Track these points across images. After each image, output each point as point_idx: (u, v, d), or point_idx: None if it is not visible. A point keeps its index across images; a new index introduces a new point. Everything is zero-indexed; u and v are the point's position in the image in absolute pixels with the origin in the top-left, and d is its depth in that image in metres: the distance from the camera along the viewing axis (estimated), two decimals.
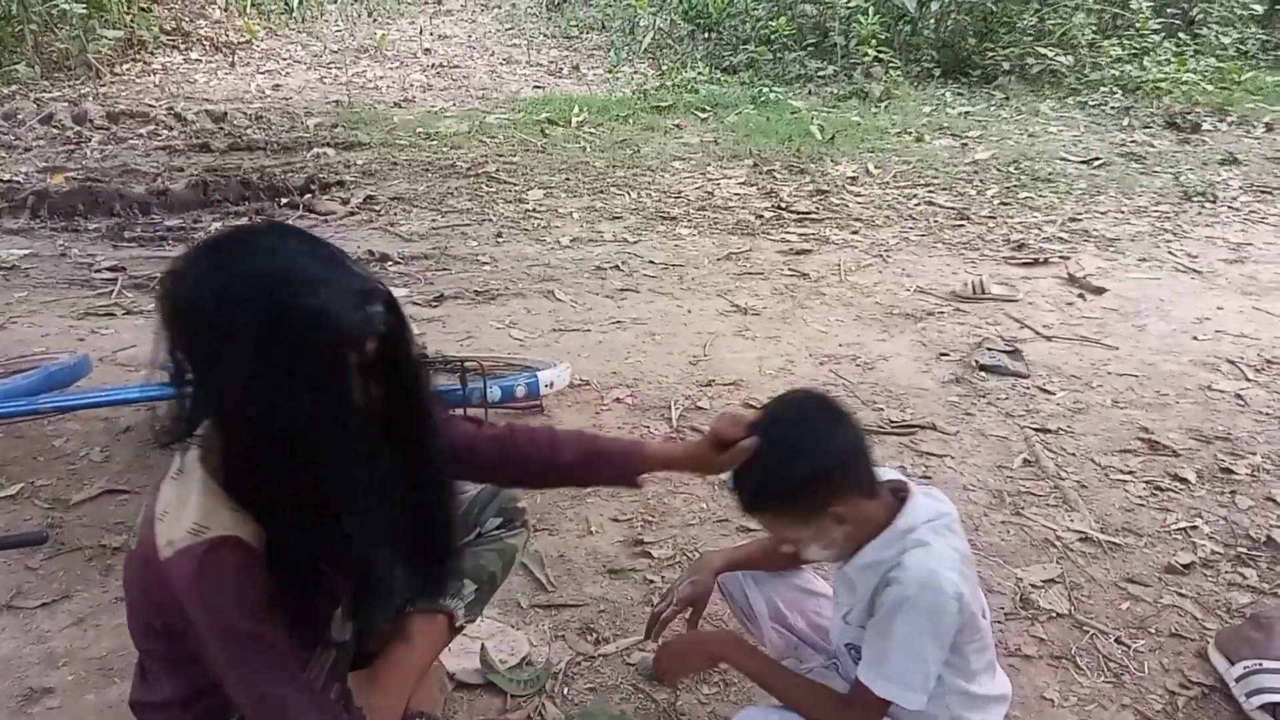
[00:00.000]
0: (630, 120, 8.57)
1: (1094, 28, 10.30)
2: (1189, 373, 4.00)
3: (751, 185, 6.76)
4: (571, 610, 2.53)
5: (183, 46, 10.93)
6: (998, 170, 7.18)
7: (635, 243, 5.57)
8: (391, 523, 1.57)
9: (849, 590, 1.74)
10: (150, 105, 8.46)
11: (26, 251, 5.22)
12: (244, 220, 5.70)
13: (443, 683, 2.19)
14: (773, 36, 10.95)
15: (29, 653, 2.34)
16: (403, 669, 1.94)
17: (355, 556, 1.53)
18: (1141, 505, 3.05)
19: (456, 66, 11.01)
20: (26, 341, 4.04)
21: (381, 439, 1.53)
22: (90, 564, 2.66)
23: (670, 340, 4.25)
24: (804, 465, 1.61)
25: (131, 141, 7.47)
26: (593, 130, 8.21)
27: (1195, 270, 5.24)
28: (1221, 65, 9.99)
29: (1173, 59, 9.94)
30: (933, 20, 10.69)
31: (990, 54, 10.41)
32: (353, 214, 6.00)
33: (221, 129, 7.86)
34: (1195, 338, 4.35)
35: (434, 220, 5.91)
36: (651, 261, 5.26)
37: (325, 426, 1.41)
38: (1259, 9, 10.77)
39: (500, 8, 13.86)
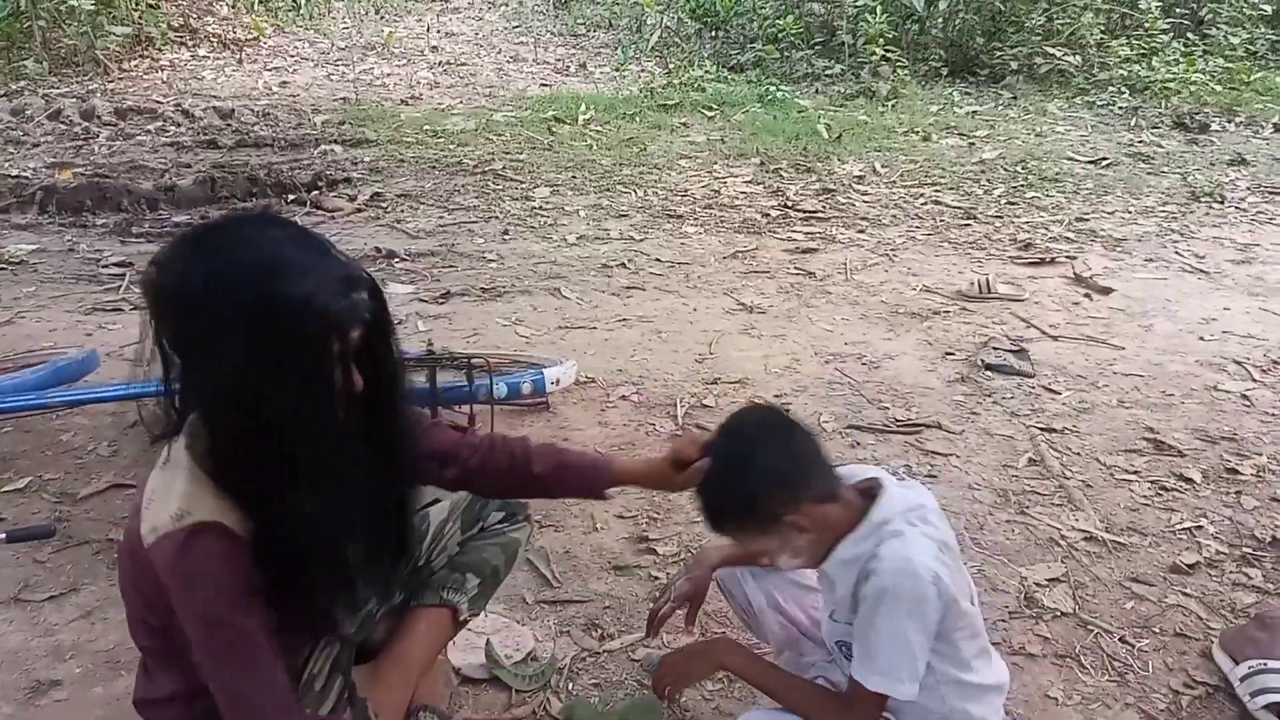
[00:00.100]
0: (637, 118, 8.57)
1: (1102, 28, 10.28)
2: (1195, 373, 3.99)
3: (758, 184, 6.76)
4: (577, 606, 2.54)
5: (190, 43, 10.95)
6: (1005, 170, 7.17)
7: (641, 241, 5.57)
8: (358, 514, 1.58)
9: (831, 588, 1.75)
10: (158, 101, 8.48)
11: (35, 247, 5.24)
12: None
13: (448, 677, 2.19)
14: (780, 35, 10.94)
15: (36, 645, 2.35)
16: (406, 663, 1.94)
17: (324, 546, 1.52)
18: (1146, 505, 3.05)
19: (463, 64, 11.01)
20: (34, 336, 4.06)
21: (359, 428, 1.54)
22: (98, 557, 2.67)
23: (676, 338, 4.26)
24: (753, 481, 1.65)
25: (139, 138, 7.48)
26: (599, 128, 8.21)
27: (1202, 271, 5.23)
28: (1230, 66, 9.97)
29: (1181, 59, 9.92)
30: (940, 19, 10.67)
31: (998, 53, 10.39)
32: (359, 211, 6.01)
33: (229, 125, 7.87)
34: (1202, 338, 4.35)
35: (441, 217, 5.92)
36: (658, 259, 5.26)
37: (308, 413, 1.42)
38: (1268, 9, 10.75)
39: (507, 5, 13.87)
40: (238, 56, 10.69)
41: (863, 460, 3.24)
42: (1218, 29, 10.71)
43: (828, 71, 10.32)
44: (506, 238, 5.58)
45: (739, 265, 5.20)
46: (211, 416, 1.45)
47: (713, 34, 11.94)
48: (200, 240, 1.41)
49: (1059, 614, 2.53)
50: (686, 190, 6.55)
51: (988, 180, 6.91)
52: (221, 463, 1.45)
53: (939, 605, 1.62)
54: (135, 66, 10.01)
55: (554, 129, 8.11)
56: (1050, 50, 10.06)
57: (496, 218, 5.92)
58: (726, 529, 1.77)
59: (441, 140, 7.69)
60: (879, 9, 9.87)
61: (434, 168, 6.96)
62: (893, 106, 9.17)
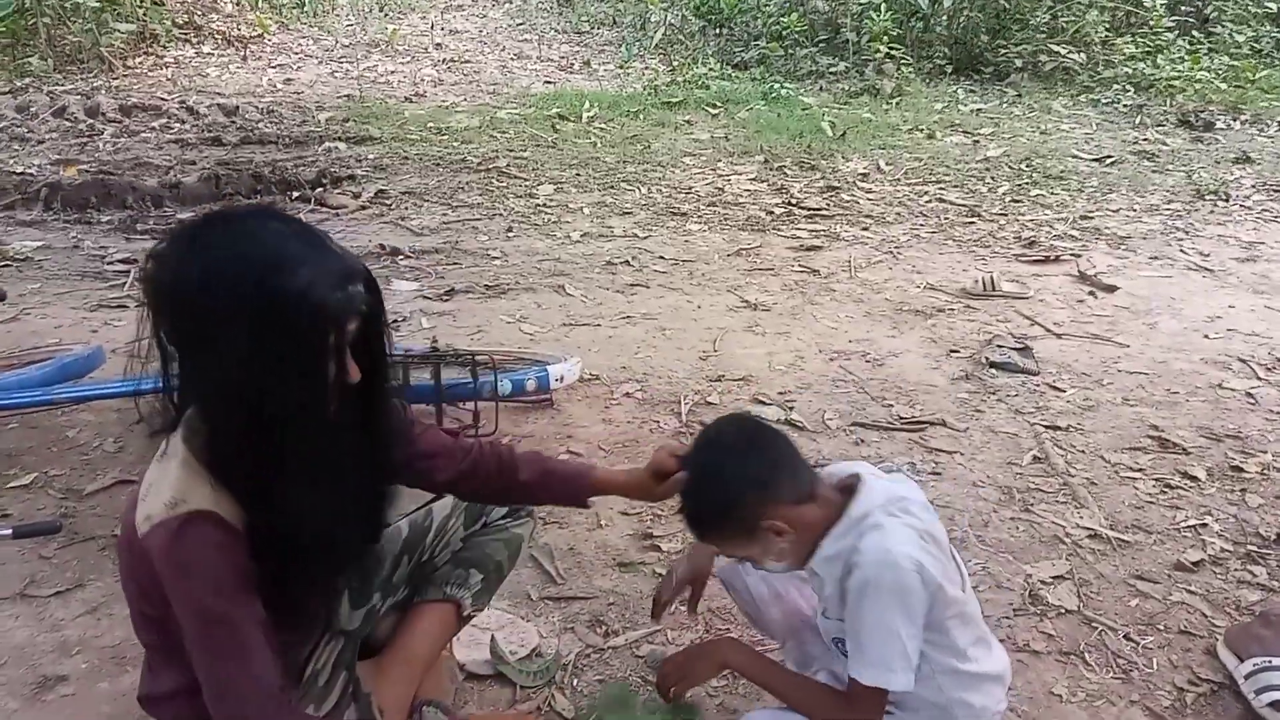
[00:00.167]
0: (641, 116, 8.58)
1: (1107, 25, 10.27)
2: (1200, 371, 3.99)
3: (762, 181, 6.76)
4: (581, 602, 2.54)
5: (195, 40, 10.97)
6: (1009, 167, 7.16)
7: (645, 238, 5.57)
8: (350, 505, 1.59)
9: (820, 586, 1.76)
10: (162, 99, 8.50)
11: (40, 244, 5.25)
12: None
13: (453, 673, 2.20)
14: (784, 33, 10.94)
15: (43, 641, 2.35)
16: (410, 658, 1.95)
17: (318, 536, 1.53)
18: (1151, 502, 3.04)
19: (467, 61, 11.03)
20: (40, 333, 4.07)
21: (353, 420, 1.54)
22: (103, 553, 2.68)
23: (680, 335, 4.26)
24: (726, 490, 1.69)
25: (144, 134, 7.49)
26: (603, 126, 8.21)
27: (1207, 269, 5.22)
28: (1235, 63, 9.95)
29: (1186, 57, 9.90)
30: (945, 17, 10.67)
31: (1003, 51, 10.39)
32: (364, 208, 6.02)
33: (233, 123, 7.88)
34: (1206, 336, 4.34)
35: (445, 215, 5.92)
36: (662, 257, 5.26)
37: (305, 405, 1.43)
38: (1274, 7, 10.72)
39: (511, 3, 13.88)
40: (242, 54, 10.71)
41: (867, 458, 3.24)
42: (1223, 26, 10.69)
43: (832, 69, 10.32)
44: (510, 235, 5.59)
45: (743, 263, 5.21)
46: (209, 409, 1.45)
47: (717, 31, 11.94)
48: (197, 235, 1.41)
49: (1063, 611, 2.53)
50: (691, 188, 6.55)
51: (992, 178, 6.90)
52: (219, 455, 1.45)
53: (924, 593, 1.63)
54: (140, 64, 10.03)
55: (558, 126, 8.11)
56: (1055, 48, 10.06)
57: (500, 215, 5.93)
58: (709, 537, 1.83)
59: (445, 138, 7.69)
60: (883, 6, 9.88)
61: (438, 165, 6.96)
62: (897, 104, 9.16)
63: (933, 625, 1.68)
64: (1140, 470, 3.23)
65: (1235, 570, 2.71)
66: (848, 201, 6.33)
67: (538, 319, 4.41)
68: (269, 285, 1.35)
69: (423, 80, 10.07)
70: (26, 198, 5.86)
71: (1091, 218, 6.06)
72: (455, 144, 7.50)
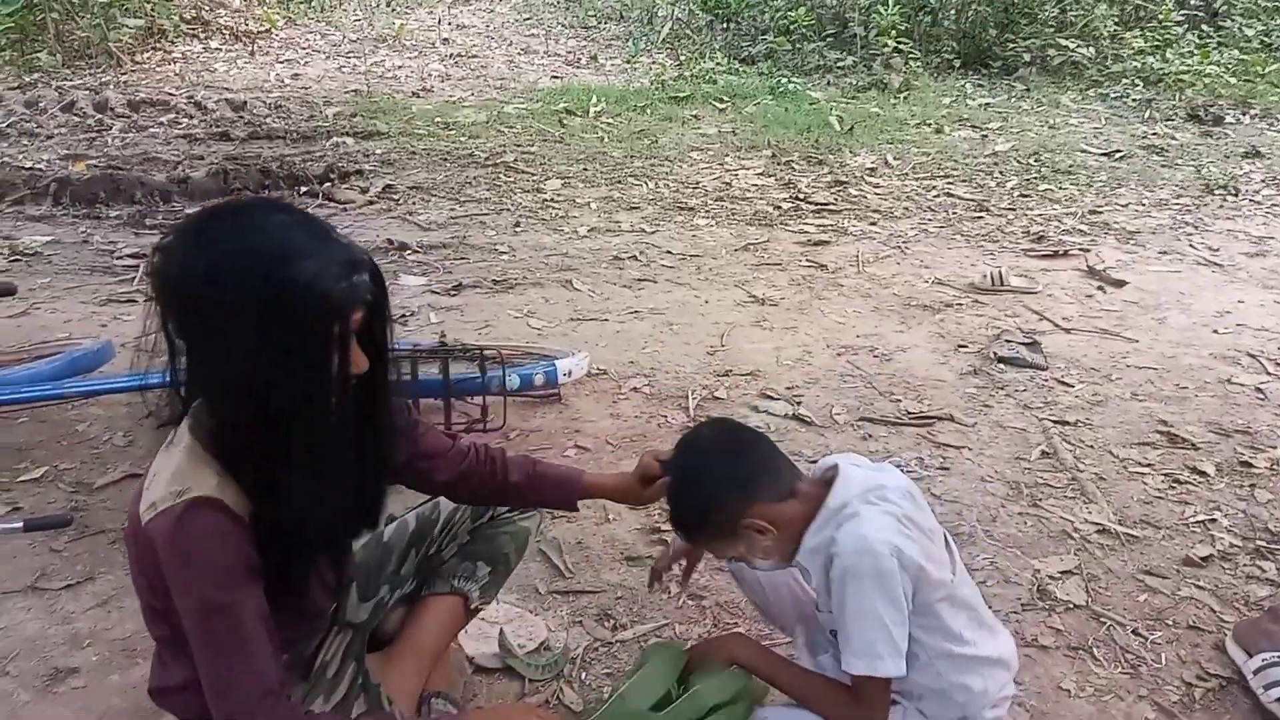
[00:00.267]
0: (648, 110, 8.57)
1: (1116, 19, 10.23)
2: (1209, 366, 3.98)
3: (769, 176, 6.75)
4: (589, 596, 2.54)
5: (203, 35, 10.98)
6: (1018, 162, 7.15)
7: (653, 233, 5.57)
8: (353, 495, 1.59)
9: (810, 579, 1.78)
10: (171, 94, 8.51)
11: (49, 238, 5.26)
12: None
13: (461, 665, 2.20)
14: (791, 27, 10.91)
15: (54, 633, 2.37)
16: (418, 650, 1.96)
17: (321, 526, 1.53)
18: (1160, 498, 3.04)
19: (475, 56, 11.02)
20: (50, 327, 4.08)
21: (357, 410, 1.55)
22: (113, 546, 2.69)
23: (687, 330, 4.26)
24: (704, 493, 1.74)
25: (152, 130, 7.51)
26: (610, 120, 8.21)
27: (1216, 263, 5.21)
28: (1245, 58, 9.90)
29: (1195, 51, 9.86)
30: (953, 11, 10.64)
31: (1011, 45, 10.35)
32: (371, 203, 6.02)
33: (241, 118, 7.89)
34: (1215, 331, 4.33)
35: (452, 210, 5.93)
36: (669, 252, 5.26)
37: (312, 395, 1.43)
38: None
39: None
40: (250, 49, 10.72)
41: (874, 453, 3.24)
42: (1232, 20, 10.64)
43: (839, 63, 10.29)
44: (518, 230, 5.59)
45: (750, 258, 5.20)
46: (216, 401, 1.46)
47: (724, 26, 11.92)
48: (203, 227, 1.42)
49: (1072, 606, 2.53)
50: (698, 182, 6.55)
51: (1000, 173, 6.89)
52: (226, 445, 1.45)
53: (905, 577, 1.64)
54: (148, 59, 10.04)
55: (565, 121, 8.11)
56: (1063, 42, 10.02)
57: (508, 210, 5.93)
58: (695, 539, 1.89)
59: (453, 132, 7.69)
60: (891, 1, 9.84)
61: (445, 160, 6.97)
62: (905, 99, 9.14)
63: (921, 609, 1.69)
64: (1149, 465, 3.22)
65: (1244, 565, 2.71)
66: (855, 196, 6.32)
67: (545, 314, 4.41)
68: (275, 276, 1.36)
69: (430, 75, 10.07)
70: (36, 193, 5.87)
71: (1100, 212, 6.04)
72: (462, 139, 7.51)
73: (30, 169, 6.30)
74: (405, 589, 2.01)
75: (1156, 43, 10.06)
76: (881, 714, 1.71)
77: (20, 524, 2.43)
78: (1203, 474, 3.17)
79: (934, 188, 6.53)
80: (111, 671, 2.24)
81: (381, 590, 1.94)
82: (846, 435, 3.39)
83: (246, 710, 1.43)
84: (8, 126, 7.35)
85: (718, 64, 10.30)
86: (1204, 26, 10.56)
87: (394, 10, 12.93)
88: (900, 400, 3.65)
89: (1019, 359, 3.94)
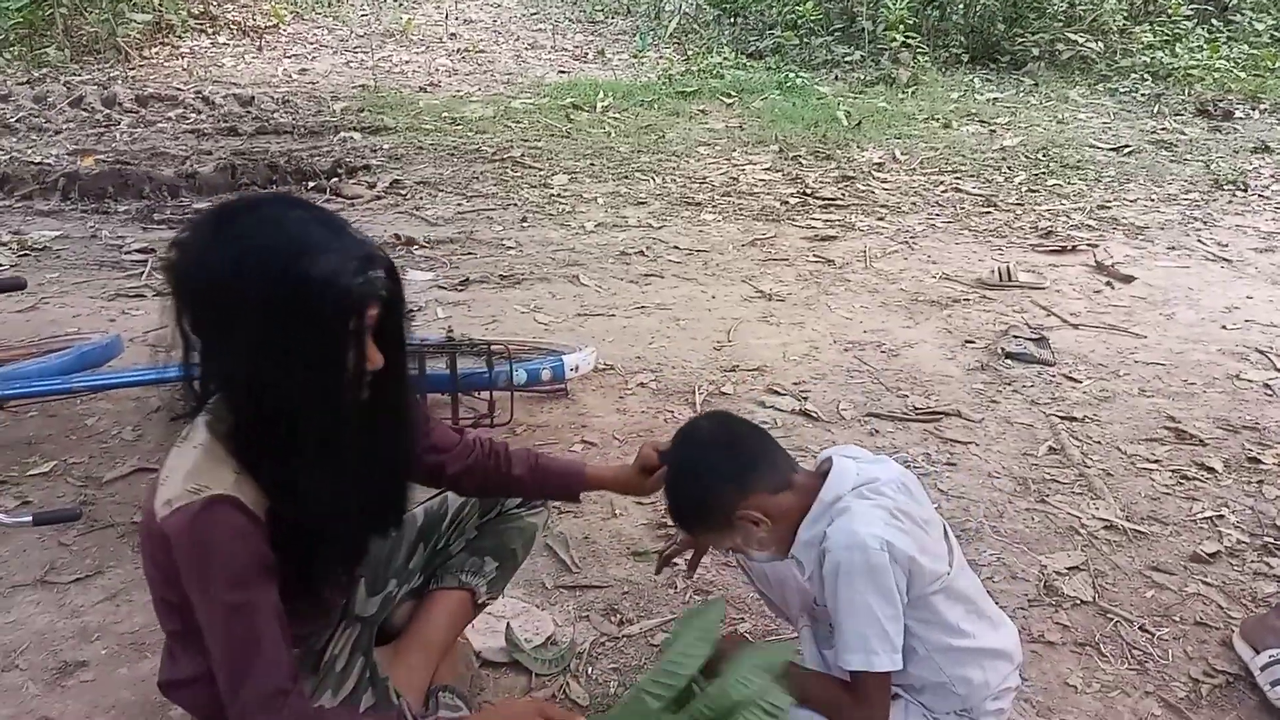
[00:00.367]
0: (655, 105, 8.56)
1: (1125, 14, 10.20)
2: (1217, 362, 3.97)
3: (777, 171, 6.74)
4: (596, 591, 2.55)
5: (210, 30, 10.99)
6: (1026, 157, 7.13)
7: (660, 228, 5.57)
8: (372, 491, 1.60)
9: (804, 572, 1.78)
10: (179, 89, 8.52)
11: (57, 233, 5.28)
12: None
13: (469, 660, 2.21)
14: (799, 21, 10.89)
15: (63, 627, 2.38)
16: (426, 644, 1.97)
17: (341, 523, 1.54)
18: (1167, 494, 3.03)
19: (482, 51, 11.02)
20: (59, 322, 4.10)
21: (375, 405, 1.55)
22: (122, 540, 2.70)
23: (694, 325, 4.26)
24: (700, 485, 1.76)
25: (160, 124, 7.52)
26: (618, 115, 8.20)
27: (1225, 259, 5.19)
28: (1255, 52, 9.87)
29: (1205, 46, 9.83)
30: (961, 5, 10.61)
31: (1019, 40, 10.32)
32: (379, 198, 6.03)
33: (249, 112, 7.90)
34: (1224, 327, 4.32)
35: (459, 205, 5.93)
36: (676, 247, 5.26)
37: (329, 391, 1.43)
38: None
39: None
40: (257, 44, 10.73)
41: (881, 448, 3.24)
42: (1242, 15, 10.61)
43: (847, 58, 10.26)
44: (525, 225, 5.59)
45: (758, 253, 5.20)
46: (233, 397, 1.46)
47: (731, 20, 11.90)
48: (220, 222, 1.42)
49: (1079, 602, 2.52)
50: (705, 178, 6.54)
51: (1008, 167, 6.87)
52: (244, 442, 1.45)
53: (897, 570, 1.64)
54: (156, 54, 10.06)
55: (572, 116, 8.10)
56: (1072, 37, 9.99)
57: (515, 205, 5.93)
58: (692, 529, 1.90)
59: (460, 128, 7.69)
60: None
61: (453, 155, 6.97)
62: (913, 93, 9.12)
63: (917, 602, 1.70)
64: (1156, 461, 3.22)
65: (1251, 562, 2.71)
66: (863, 191, 6.31)
67: (552, 309, 4.42)
68: (291, 271, 1.36)
69: (437, 70, 10.07)
70: (44, 187, 5.89)
71: (1109, 207, 6.03)
72: (470, 134, 7.51)
73: (39, 164, 6.31)
74: (413, 583, 2.02)
75: (1166, 37, 10.02)
76: (882, 710, 1.71)
77: (29, 518, 2.44)
78: (1210, 470, 3.16)
79: (942, 183, 6.51)
80: (120, 665, 2.25)
81: (390, 584, 1.95)
82: (853, 431, 3.39)
83: (263, 707, 1.44)
84: (16, 121, 7.37)
85: (725, 59, 10.28)
86: (1214, 21, 10.52)
87: (401, 5, 12.93)
88: (907, 396, 3.65)
89: (1026, 355, 3.94)
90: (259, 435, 1.44)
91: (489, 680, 2.22)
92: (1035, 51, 10.13)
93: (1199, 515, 2.91)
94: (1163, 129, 7.95)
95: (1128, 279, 4.84)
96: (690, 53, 10.67)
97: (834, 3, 11.14)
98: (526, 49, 11.25)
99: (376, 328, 1.48)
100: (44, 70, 9.08)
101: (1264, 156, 7.15)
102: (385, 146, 7.09)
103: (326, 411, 1.44)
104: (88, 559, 2.63)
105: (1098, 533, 2.82)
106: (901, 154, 7.16)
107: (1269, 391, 3.72)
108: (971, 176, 6.66)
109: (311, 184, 6.18)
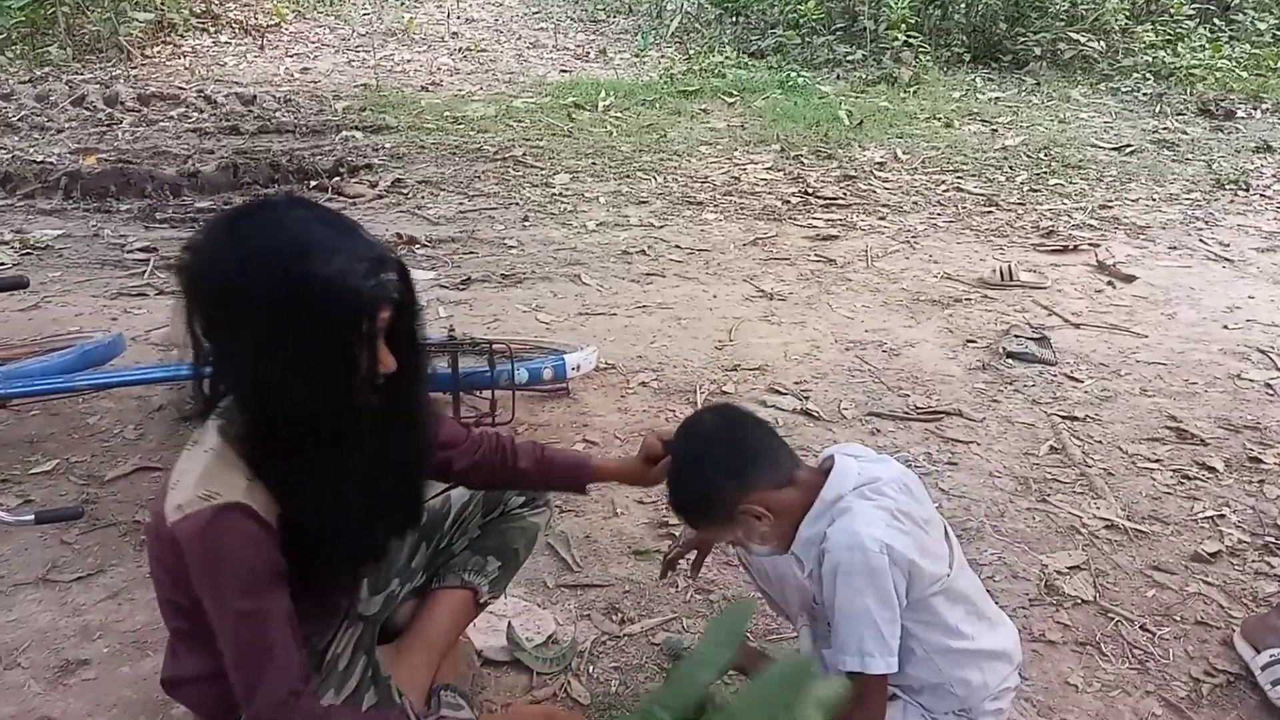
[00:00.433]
0: (657, 105, 8.56)
1: (1127, 13, 10.19)
2: (1218, 361, 3.97)
3: (778, 170, 6.74)
4: (597, 590, 2.55)
5: (212, 29, 11.00)
6: (1027, 156, 7.13)
7: (661, 227, 5.57)
8: (386, 494, 1.60)
9: (803, 569, 1.79)
10: (181, 88, 8.53)
11: (60, 232, 5.28)
12: None
13: (470, 658, 2.21)
14: (801, 20, 10.88)
15: (65, 625, 2.38)
16: (428, 643, 1.97)
17: (353, 528, 1.54)
18: (1169, 493, 3.04)
19: (483, 50, 11.02)
20: (61, 320, 4.10)
21: (388, 408, 1.55)
22: (124, 539, 2.71)
23: (696, 325, 4.26)
24: (703, 478, 1.75)
25: (162, 123, 7.52)
26: (619, 115, 8.20)
27: (1226, 258, 5.19)
28: (1257, 52, 9.86)
29: (1207, 45, 9.82)
30: (963, 4, 10.60)
31: (1021, 39, 10.31)
32: (380, 197, 6.03)
33: (251, 112, 7.90)
34: (1225, 326, 4.32)
35: (461, 204, 5.93)
36: (677, 246, 5.26)
37: (342, 394, 1.43)
38: None
39: None
40: (259, 43, 10.73)
41: (882, 448, 3.24)
42: (1244, 14, 10.60)
43: (849, 57, 10.26)
44: (527, 224, 5.59)
45: (759, 252, 5.20)
46: (246, 400, 1.46)
47: (733, 19, 11.90)
48: (233, 225, 1.42)
49: (1080, 601, 2.53)
50: (706, 177, 6.54)
51: (1010, 167, 6.87)
52: (256, 446, 1.46)
53: (897, 573, 1.64)
54: (158, 53, 10.06)
55: (574, 115, 8.10)
56: (1074, 36, 9.98)
57: (517, 204, 5.93)
58: (693, 522, 1.90)
59: (462, 127, 7.70)
60: None
61: (454, 154, 6.97)
62: (914, 92, 9.11)
63: (916, 604, 1.70)
64: (1158, 461, 3.22)
65: (1252, 561, 2.71)
66: (864, 190, 6.31)
67: (554, 308, 4.42)
68: (294, 272, 1.36)
69: (439, 69, 10.07)
70: (46, 186, 5.89)
71: (1110, 207, 6.03)
72: (471, 133, 7.51)
73: (41, 163, 6.32)
74: (415, 582, 2.02)
75: (1168, 36, 10.02)
76: (879, 711, 1.71)
77: (31, 516, 2.44)
78: (1212, 470, 3.16)
79: (943, 182, 6.51)
80: (122, 663, 2.26)
81: (392, 583, 1.95)
82: (854, 430, 3.39)
83: (275, 710, 1.44)
84: (18, 120, 7.37)
85: (726, 58, 10.27)
86: (1216, 20, 10.51)
87: (403, 4, 12.93)
88: (909, 395, 3.65)
89: (1028, 354, 3.94)
90: (269, 438, 1.45)
91: (490, 679, 2.22)
92: (1037, 51, 10.12)
93: (1200, 515, 2.91)
94: (1164, 128, 7.95)
95: (1129, 278, 4.84)
96: (692, 52, 10.66)
97: (836, 2, 11.12)
98: (528, 48, 11.26)
99: (389, 330, 1.48)
100: (46, 69, 9.08)
101: (1266, 156, 7.15)
102: (387, 145, 7.09)
103: (335, 414, 1.44)
104: (90, 557, 2.63)
105: (1099, 532, 2.82)
106: (903, 153, 7.16)
107: (1270, 391, 3.72)
108: (973, 176, 6.66)
109: (313, 183, 6.18)
